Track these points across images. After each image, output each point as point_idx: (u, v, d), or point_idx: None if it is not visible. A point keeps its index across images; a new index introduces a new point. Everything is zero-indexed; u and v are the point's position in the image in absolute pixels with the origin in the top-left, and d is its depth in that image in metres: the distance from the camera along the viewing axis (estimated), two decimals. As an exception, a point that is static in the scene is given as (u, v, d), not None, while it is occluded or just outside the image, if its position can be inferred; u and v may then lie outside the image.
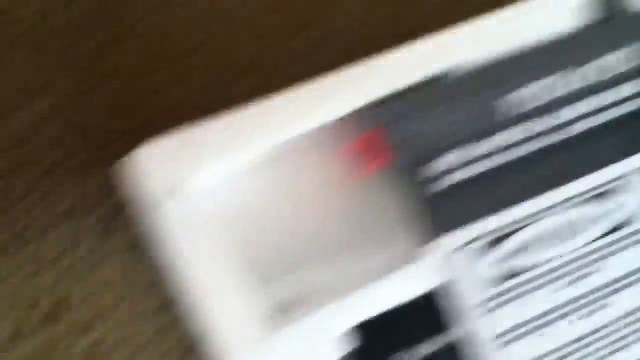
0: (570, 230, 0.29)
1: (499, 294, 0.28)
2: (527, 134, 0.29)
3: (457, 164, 0.28)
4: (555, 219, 0.29)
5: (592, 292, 0.29)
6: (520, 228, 0.28)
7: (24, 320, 0.30)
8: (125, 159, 0.26)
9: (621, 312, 0.29)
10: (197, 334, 0.29)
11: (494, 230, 0.28)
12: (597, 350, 0.29)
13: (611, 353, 0.29)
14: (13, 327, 0.30)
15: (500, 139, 0.29)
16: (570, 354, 0.29)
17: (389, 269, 0.28)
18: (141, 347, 0.31)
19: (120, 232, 0.31)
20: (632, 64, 0.30)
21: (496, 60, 0.29)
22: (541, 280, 0.29)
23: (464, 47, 0.28)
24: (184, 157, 0.27)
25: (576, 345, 0.29)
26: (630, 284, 0.29)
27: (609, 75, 0.29)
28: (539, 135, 0.29)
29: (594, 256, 0.29)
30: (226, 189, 0.29)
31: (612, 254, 0.29)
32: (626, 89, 0.30)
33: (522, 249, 0.29)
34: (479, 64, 0.28)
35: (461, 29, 0.28)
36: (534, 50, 0.29)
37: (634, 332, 0.29)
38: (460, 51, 0.28)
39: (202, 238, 0.26)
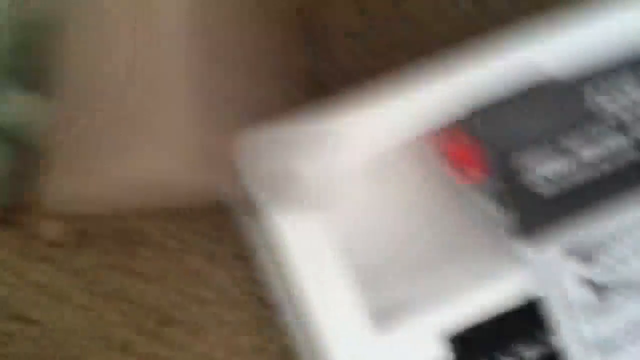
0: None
1: (598, 304, 0.29)
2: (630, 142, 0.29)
3: (558, 170, 0.28)
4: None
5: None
6: (620, 237, 0.29)
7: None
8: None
9: None
10: (300, 342, 0.29)
11: (595, 240, 0.28)
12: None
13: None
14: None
15: (608, 144, 0.29)
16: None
17: (491, 275, 0.28)
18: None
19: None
20: None
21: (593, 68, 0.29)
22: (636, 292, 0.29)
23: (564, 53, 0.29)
24: (288, 152, 0.27)
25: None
26: None
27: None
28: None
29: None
30: (333, 191, 0.29)
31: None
32: None
33: (621, 259, 0.29)
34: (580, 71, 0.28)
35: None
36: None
37: None
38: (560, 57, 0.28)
39: (311, 240, 0.27)
